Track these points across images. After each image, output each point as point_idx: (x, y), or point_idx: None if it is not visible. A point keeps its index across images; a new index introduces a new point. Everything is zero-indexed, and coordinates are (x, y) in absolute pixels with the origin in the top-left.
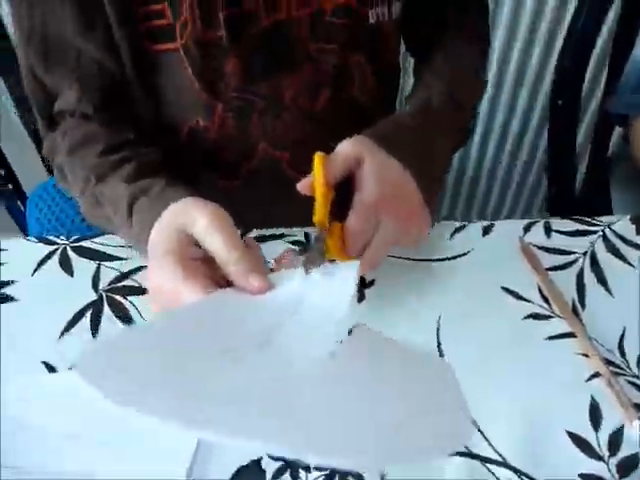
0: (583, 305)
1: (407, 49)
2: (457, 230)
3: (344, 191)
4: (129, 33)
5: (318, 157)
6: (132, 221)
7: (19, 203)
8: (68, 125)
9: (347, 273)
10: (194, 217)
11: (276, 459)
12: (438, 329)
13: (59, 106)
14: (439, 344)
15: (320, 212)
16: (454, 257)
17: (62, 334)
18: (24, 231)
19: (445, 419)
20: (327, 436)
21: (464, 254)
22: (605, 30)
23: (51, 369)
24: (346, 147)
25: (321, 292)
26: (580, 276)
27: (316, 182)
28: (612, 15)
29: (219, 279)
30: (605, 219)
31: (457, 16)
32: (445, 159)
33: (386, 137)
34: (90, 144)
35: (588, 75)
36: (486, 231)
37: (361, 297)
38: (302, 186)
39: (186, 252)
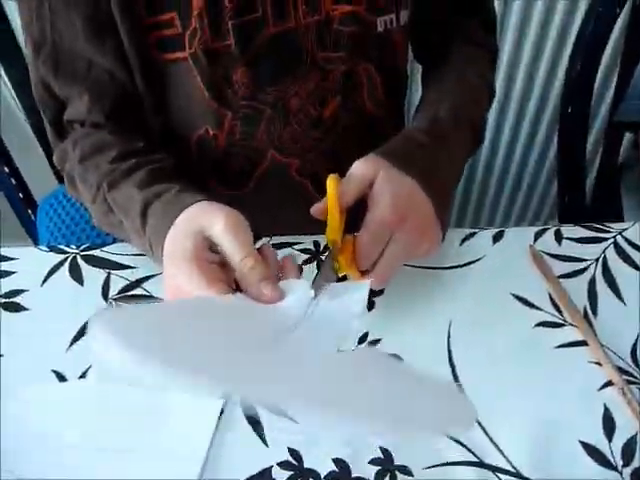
0: (595, 313)
1: (415, 57)
2: (467, 237)
3: (356, 202)
4: (138, 43)
5: (332, 180)
6: (145, 227)
7: (29, 212)
8: (78, 134)
9: (357, 295)
10: (211, 220)
11: (286, 468)
12: (449, 337)
13: (69, 116)
14: (449, 351)
15: (333, 233)
16: (464, 264)
17: (72, 343)
18: (35, 240)
19: (447, 404)
20: (340, 402)
21: (474, 261)
22: (615, 35)
23: (61, 378)
24: (360, 168)
25: (329, 313)
26: (592, 283)
27: (330, 207)
28: (622, 20)
29: (233, 284)
30: (616, 226)
31: (464, 26)
32: (456, 173)
33: (397, 154)
34: (101, 152)
35: (598, 81)
36: (496, 238)
37: (371, 305)
38: (316, 211)
39: (203, 256)
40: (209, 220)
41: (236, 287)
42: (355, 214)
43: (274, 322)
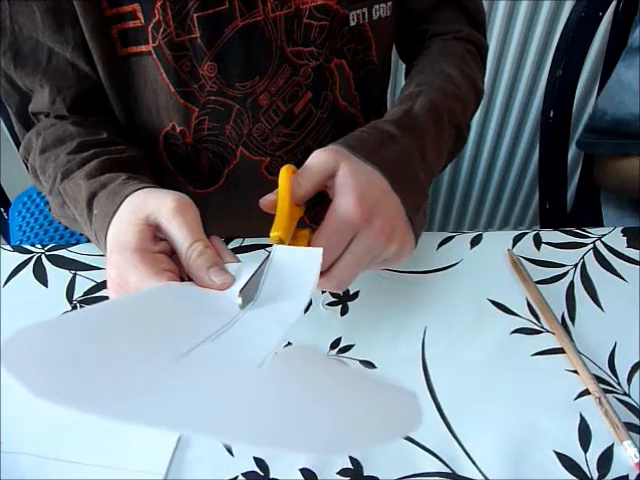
0: (573, 319)
1: (398, 53)
2: (445, 241)
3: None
4: (100, 36)
5: (285, 170)
6: (91, 217)
7: (2, 210)
8: (42, 125)
9: (308, 263)
10: (157, 206)
11: (252, 478)
12: (423, 343)
13: (33, 108)
14: (424, 358)
15: (278, 229)
16: (441, 269)
17: None
18: (8, 239)
19: (390, 405)
20: (278, 425)
21: (451, 266)
22: (599, 41)
23: None
24: (318, 158)
25: (281, 280)
26: (570, 289)
27: (281, 199)
28: (605, 24)
29: (182, 274)
30: (596, 231)
31: (449, 22)
32: (431, 170)
33: (362, 144)
34: (62, 143)
35: (581, 86)
36: (474, 242)
37: (344, 310)
38: (264, 203)
39: (149, 246)
40: (155, 206)
41: (189, 278)
42: (316, 207)
43: (221, 305)
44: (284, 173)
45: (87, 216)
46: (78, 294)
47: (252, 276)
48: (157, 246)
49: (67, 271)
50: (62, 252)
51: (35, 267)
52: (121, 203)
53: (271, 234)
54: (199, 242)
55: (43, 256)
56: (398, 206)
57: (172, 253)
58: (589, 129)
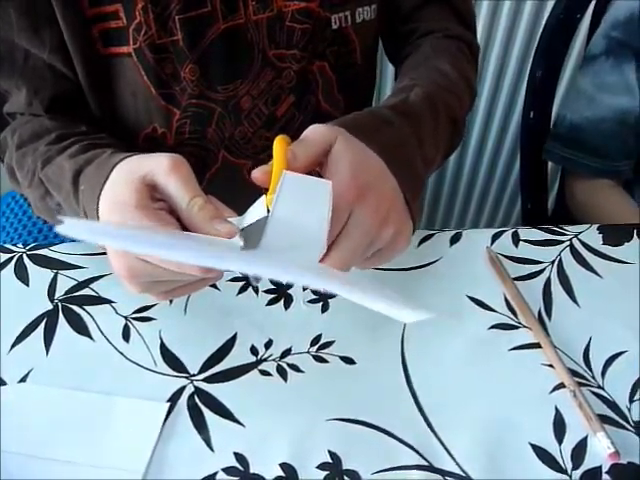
0: (549, 315)
1: (386, 54)
2: (425, 239)
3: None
4: (81, 36)
5: (280, 141)
6: (78, 195)
7: None
8: (18, 122)
9: (318, 193)
10: (152, 165)
11: (232, 474)
12: (402, 339)
13: (9, 108)
14: (403, 353)
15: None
16: (421, 266)
17: (13, 346)
18: None
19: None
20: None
21: (431, 263)
22: (581, 41)
23: (0, 381)
24: (316, 131)
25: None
26: (547, 286)
27: (276, 171)
28: (586, 24)
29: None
30: (572, 229)
31: (438, 20)
32: (429, 159)
33: (358, 125)
34: (40, 137)
35: (564, 86)
36: (454, 240)
37: (325, 307)
38: (257, 175)
39: (149, 204)
40: (150, 166)
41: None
42: None
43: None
44: (279, 144)
45: (73, 195)
46: (60, 293)
47: (255, 222)
48: (156, 204)
49: (49, 270)
50: (44, 251)
51: (16, 266)
52: (110, 172)
53: (267, 196)
54: (199, 197)
55: (24, 255)
56: (395, 187)
57: (172, 212)
58: (552, 135)
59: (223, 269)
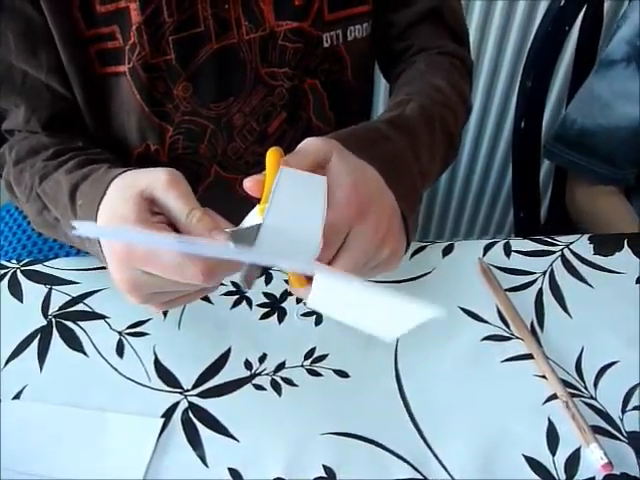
0: (542, 326)
1: (381, 71)
2: (418, 250)
3: None
4: (78, 56)
5: (273, 153)
6: (75, 210)
7: None
8: (16, 139)
9: (313, 190)
10: (149, 179)
11: None
12: (396, 350)
13: (7, 125)
14: (396, 365)
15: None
16: (414, 278)
17: (7, 362)
18: None
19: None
20: None
21: (424, 275)
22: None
23: None
24: (311, 144)
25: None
26: (539, 296)
27: (269, 183)
28: (574, 36)
29: None
30: (563, 239)
31: (431, 37)
32: (425, 173)
33: (355, 139)
34: (37, 153)
35: (555, 97)
36: (446, 252)
37: (319, 320)
38: (250, 185)
39: (148, 217)
40: (148, 180)
41: None
42: None
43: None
44: (272, 155)
45: (71, 210)
46: (54, 308)
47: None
48: (155, 218)
49: (42, 286)
50: (37, 267)
51: (10, 282)
52: (107, 187)
53: (260, 205)
54: (197, 209)
55: (18, 271)
56: (393, 203)
57: (169, 226)
58: (557, 137)
59: (230, 258)
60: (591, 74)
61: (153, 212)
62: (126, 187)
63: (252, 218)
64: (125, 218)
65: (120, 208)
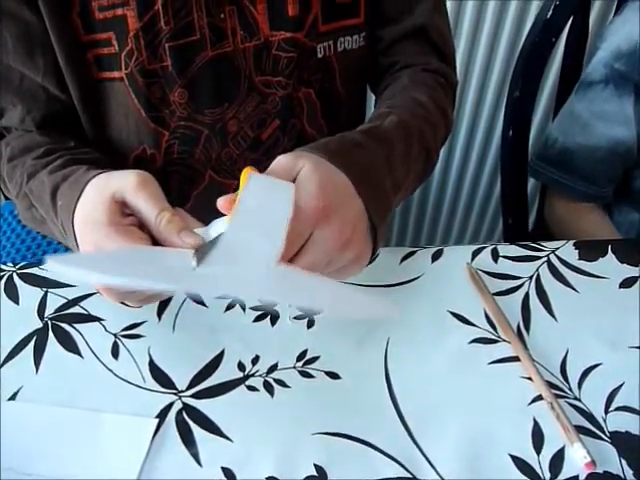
0: (528, 329)
1: (369, 87)
2: (407, 256)
3: None
4: (75, 61)
5: (247, 172)
6: (56, 210)
7: None
8: (12, 136)
9: (280, 196)
10: (120, 183)
11: None
12: (386, 353)
13: (4, 123)
14: (386, 368)
15: None
16: (404, 282)
17: (3, 364)
18: None
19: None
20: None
21: (414, 279)
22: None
23: None
24: (280, 161)
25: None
26: (525, 300)
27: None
28: (561, 47)
29: (154, 244)
30: (549, 244)
31: (417, 55)
32: (398, 183)
33: (328, 148)
34: (30, 151)
35: (544, 105)
36: (435, 257)
37: (311, 323)
38: (222, 203)
39: (120, 220)
40: (119, 183)
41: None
42: None
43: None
44: (245, 175)
45: (52, 210)
46: (49, 311)
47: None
48: (126, 220)
49: (38, 289)
50: (33, 270)
51: (6, 285)
52: (83, 189)
53: (228, 216)
54: (166, 210)
55: (14, 274)
56: (360, 209)
57: (142, 226)
58: (540, 155)
59: (174, 291)
60: (572, 94)
61: (125, 214)
62: (98, 191)
63: (220, 224)
64: (97, 222)
65: (94, 211)
